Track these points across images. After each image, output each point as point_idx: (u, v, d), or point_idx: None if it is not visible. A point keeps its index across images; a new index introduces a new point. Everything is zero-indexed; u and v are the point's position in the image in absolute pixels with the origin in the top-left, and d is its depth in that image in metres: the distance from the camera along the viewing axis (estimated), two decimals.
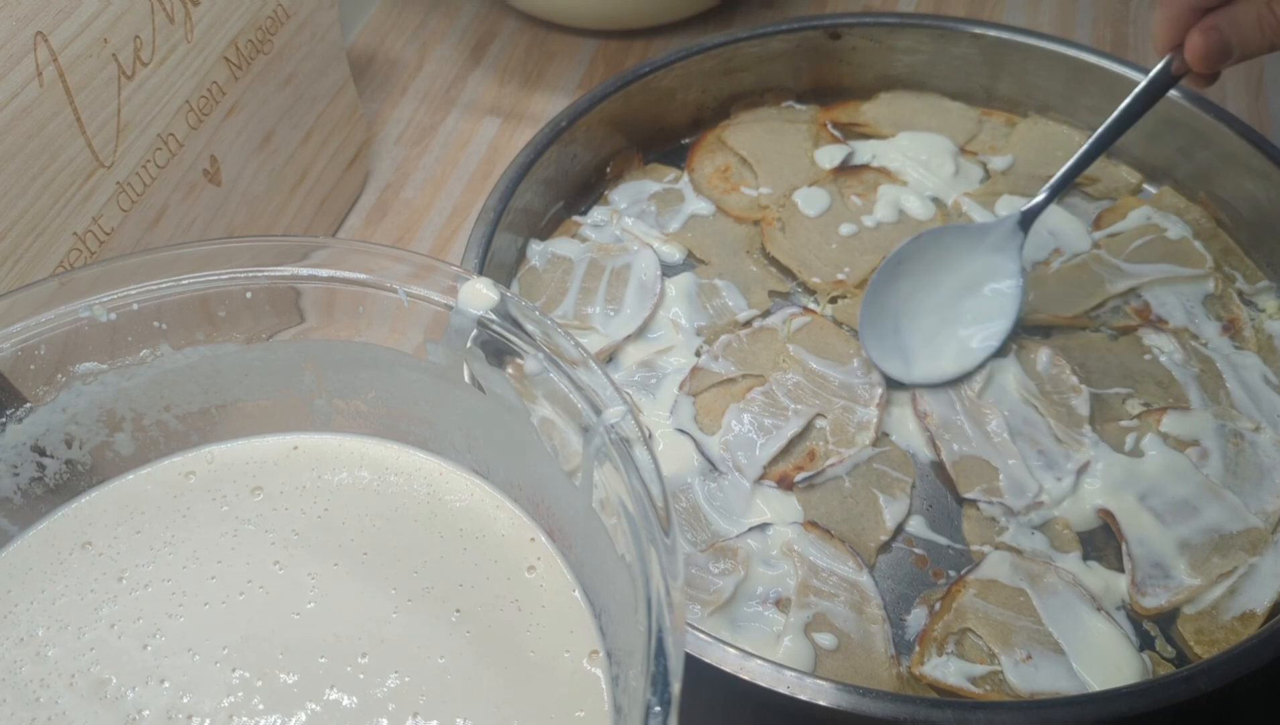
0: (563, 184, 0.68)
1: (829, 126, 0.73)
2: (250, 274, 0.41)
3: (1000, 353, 0.59)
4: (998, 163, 0.70)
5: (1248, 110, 0.77)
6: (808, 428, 0.57)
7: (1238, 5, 0.50)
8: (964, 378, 0.58)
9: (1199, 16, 0.51)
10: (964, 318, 0.60)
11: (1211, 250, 0.64)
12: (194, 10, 0.54)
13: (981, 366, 0.58)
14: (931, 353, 0.59)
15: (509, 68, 0.83)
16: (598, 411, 0.37)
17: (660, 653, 0.31)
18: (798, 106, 0.74)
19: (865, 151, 0.71)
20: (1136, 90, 0.56)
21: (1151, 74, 0.55)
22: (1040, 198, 0.59)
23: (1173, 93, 0.65)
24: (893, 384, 0.59)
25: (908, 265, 0.60)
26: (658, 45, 0.84)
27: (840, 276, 0.64)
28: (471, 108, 0.81)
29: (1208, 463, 0.55)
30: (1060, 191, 0.59)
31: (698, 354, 0.60)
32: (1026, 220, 0.59)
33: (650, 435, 0.57)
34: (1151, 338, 0.61)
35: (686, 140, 0.73)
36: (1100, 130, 0.58)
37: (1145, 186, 0.69)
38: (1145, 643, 0.50)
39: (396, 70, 0.84)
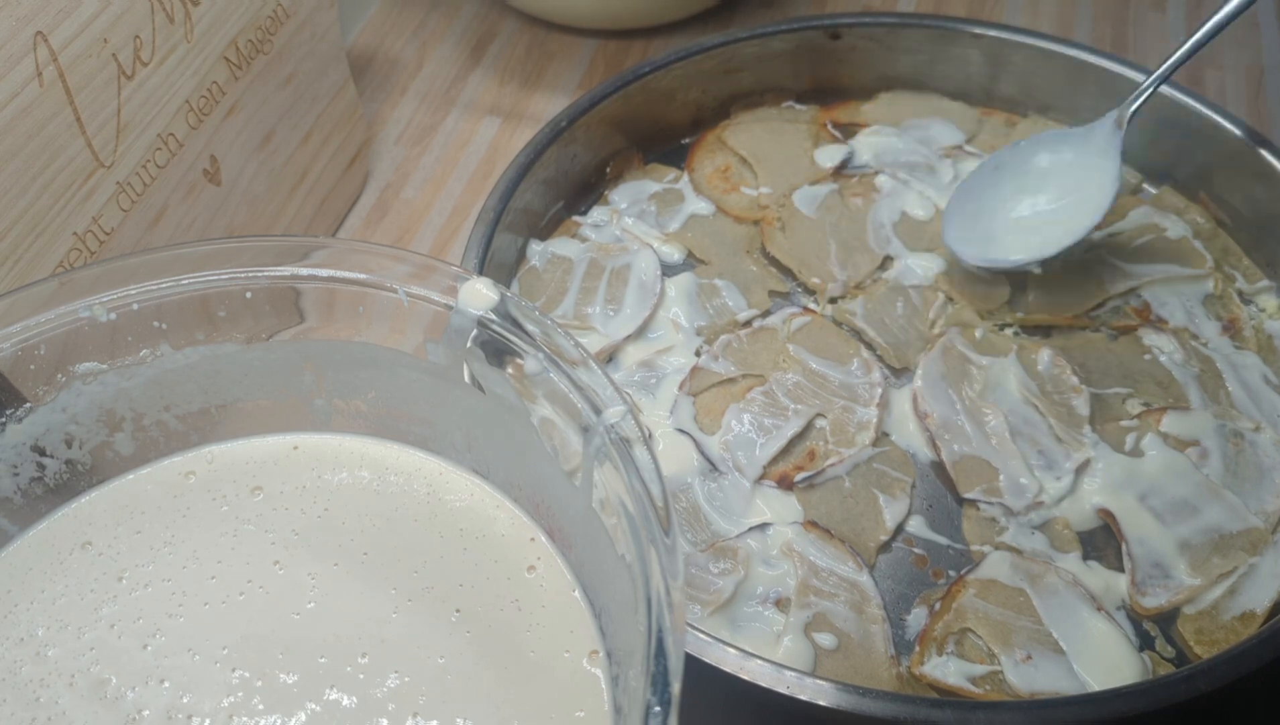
0: (563, 184, 0.68)
1: (829, 126, 0.73)
2: (250, 274, 0.41)
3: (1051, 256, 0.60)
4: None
5: (1248, 110, 0.77)
6: (808, 428, 0.57)
7: None
8: (1043, 259, 0.60)
9: None
10: (1055, 212, 0.61)
11: (1211, 250, 0.64)
12: (194, 10, 0.54)
13: (1057, 255, 0.60)
14: (1016, 238, 0.61)
15: (509, 68, 0.83)
16: (598, 411, 0.37)
17: (660, 653, 0.31)
18: (797, 106, 0.74)
19: (865, 151, 0.71)
20: None
21: None
22: (1139, 95, 0.60)
23: (1173, 92, 0.65)
24: (892, 384, 0.59)
25: (1006, 170, 0.63)
26: (657, 45, 0.84)
27: (840, 276, 0.64)
28: (471, 108, 0.81)
29: (1208, 463, 0.55)
30: (1158, 85, 0.60)
31: (698, 354, 0.60)
32: (1123, 118, 0.60)
33: (650, 435, 0.57)
34: (1151, 338, 0.61)
35: (686, 140, 0.73)
36: (1205, 27, 0.58)
37: (1145, 187, 0.69)
38: (1145, 643, 0.50)
39: (396, 70, 0.84)
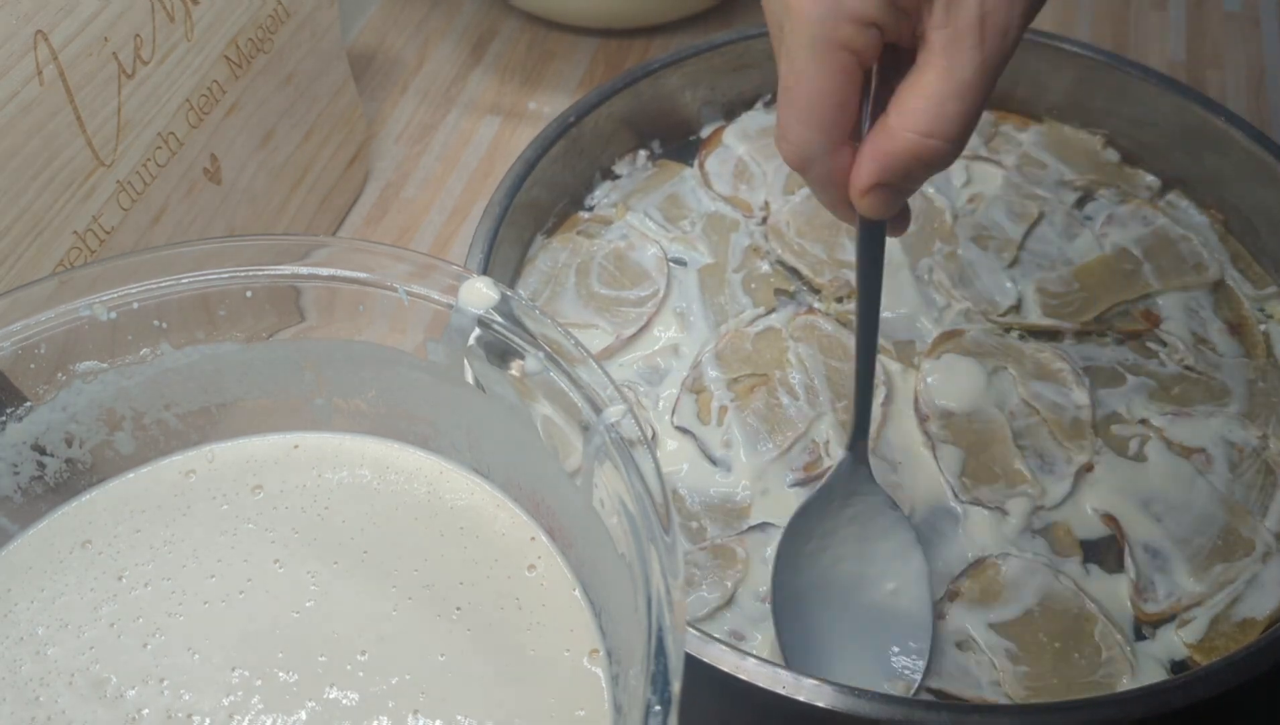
0: (569, 180, 0.68)
1: None
2: (250, 273, 0.41)
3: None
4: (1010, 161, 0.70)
5: (1248, 110, 0.77)
6: (809, 427, 0.57)
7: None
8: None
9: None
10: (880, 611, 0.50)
11: (1220, 255, 0.64)
12: (194, 9, 0.54)
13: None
14: (856, 653, 0.49)
15: (509, 66, 0.83)
16: (598, 410, 0.37)
17: (660, 652, 0.31)
18: None
19: None
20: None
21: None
22: (864, 434, 0.51)
23: (1183, 98, 0.65)
24: (895, 385, 0.59)
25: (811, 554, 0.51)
26: (658, 44, 0.84)
27: (847, 276, 0.64)
28: (472, 107, 0.81)
29: (1212, 470, 0.55)
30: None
31: (701, 352, 0.60)
32: (861, 456, 0.51)
33: (651, 434, 0.57)
34: (1157, 342, 0.60)
35: (694, 137, 0.73)
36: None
37: (1152, 190, 0.69)
38: (1144, 648, 0.50)
39: (397, 69, 0.84)
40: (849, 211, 0.42)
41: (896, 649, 0.49)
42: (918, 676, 0.48)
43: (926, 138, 0.38)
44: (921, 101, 0.37)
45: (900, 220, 0.44)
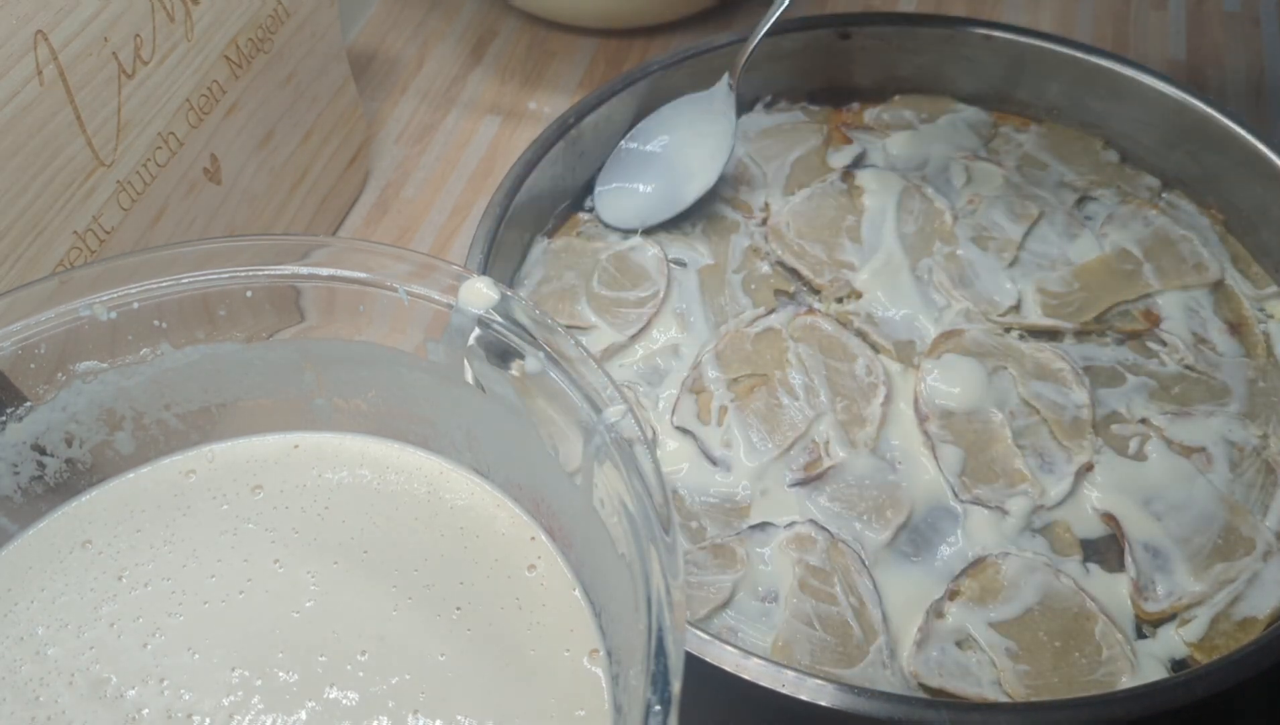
0: (569, 181, 0.68)
1: (841, 128, 0.72)
2: (250, 273, 0.41)
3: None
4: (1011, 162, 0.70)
5: (1249, 110, 0.77)
6: (809, 427, 0.57)
7: None
8: (675, 215, 0.66)
9: None
10: (690, 173, 0.67)
11: (1220, 255, 0.64)
12: (194, 9, 0.54)
13: (691, 208, 0.66)
14: (657, 202, 0.67)
15: (509, 66, 0.83)
16: (598, 410, 0.37)
17: (660, 651, 0.31)
18: (810, 107, 0.74)
19: (877, 153, 0.70)
20: None
21: None
22: (747, 52, 0.66)
23: (1184, 96, 0.65)
24: (895, 385, 0.59)
25: (639, 146, 0.69)
26: (658, 44, 0.84)
27: (848, 277, 0.64)
28: (472, 107, 0.81)
29: (1212, 469, 0.55)
30: (758, 39, 0.65)
31: (701, 352, 0.60)
32: (735, 78, 0.67)
33: (651, 434, 0.57)
34: (1158, 342, 0.61)
35: None
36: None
37: (1152, 191, 0.69)
38: (1144, 647, 0.50)
39: (396, 69, 0.84)
40: None
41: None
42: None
43: None
44: None
45: None
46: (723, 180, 0.69)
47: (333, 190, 0.71)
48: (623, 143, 0.69)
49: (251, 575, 0.40)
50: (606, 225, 0.67)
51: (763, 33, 0.65)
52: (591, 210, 0.69)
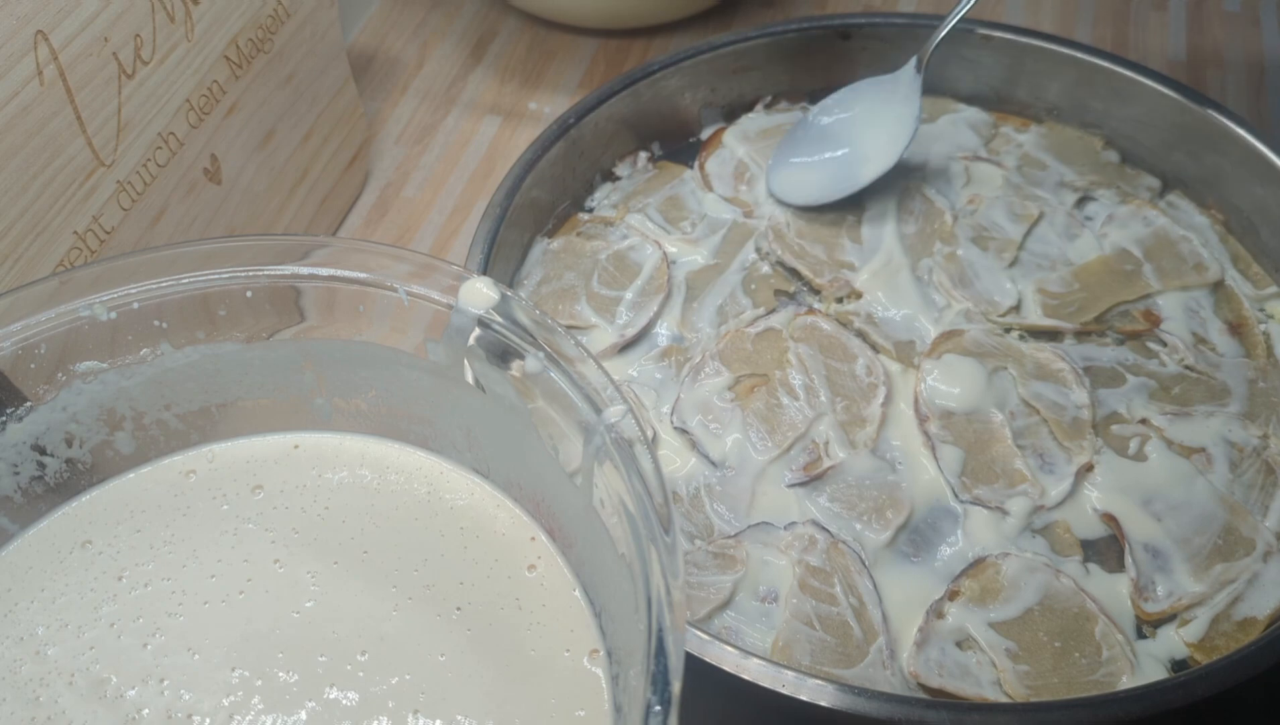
0: (569, 181, 0.68)
1: None
2: (250, 273, 0.41)
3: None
4: (1012, 163, 0.70)
5: (1248, 110, 0.77)
6: (809, 428, 0.57)
7: None
8: (852, 193, 0.66)
9: None
10: (865, 154, 0.66)
11: (1220, 255, 0.64)
12: (194, 9, 0.54)
13: (862, 192, 0.66)
14: (833, 182, 0.66)
15: (509, 67, 0.83)
16: (598, 410, 0.37)
17: (660, 652, 0.31)
18: (809, 106, 0.74)
19: None
20: None
21: None
22: (938, 36, 0.65)
23: (1183, 96, 0.65)
24: (895, 386, 0.59)
25: (819, 122, 0.68)
26: (658, 44, 0.84)
27: (848, 277, 0.64)
28: (472, 107, 0.81)
29: (1212, 469, 0.55)
30: (948, 27, 0.64)
31: (701, 352, 0.60)
32: (923, 60, 0.65)
33: (651, 434, 0.57)
34: (1158, 342, 0.60)
35: (694, 139, 0.73)
36: None
37: (1153, 191, 0.69)
38: (1144, 647, 0.50)
39: (397, 69, 0.84)
40: None
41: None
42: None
43: None
44: None
45: None
46: (723, 180, 0.69)
47: (333, 190, 0.71)
48: (806, 117, 0.69)
49: (251, 575, 0.40)
50: (777, 199, 0.67)
51: (960, 14, 0.64)
52: (591, 210, 0.69)
